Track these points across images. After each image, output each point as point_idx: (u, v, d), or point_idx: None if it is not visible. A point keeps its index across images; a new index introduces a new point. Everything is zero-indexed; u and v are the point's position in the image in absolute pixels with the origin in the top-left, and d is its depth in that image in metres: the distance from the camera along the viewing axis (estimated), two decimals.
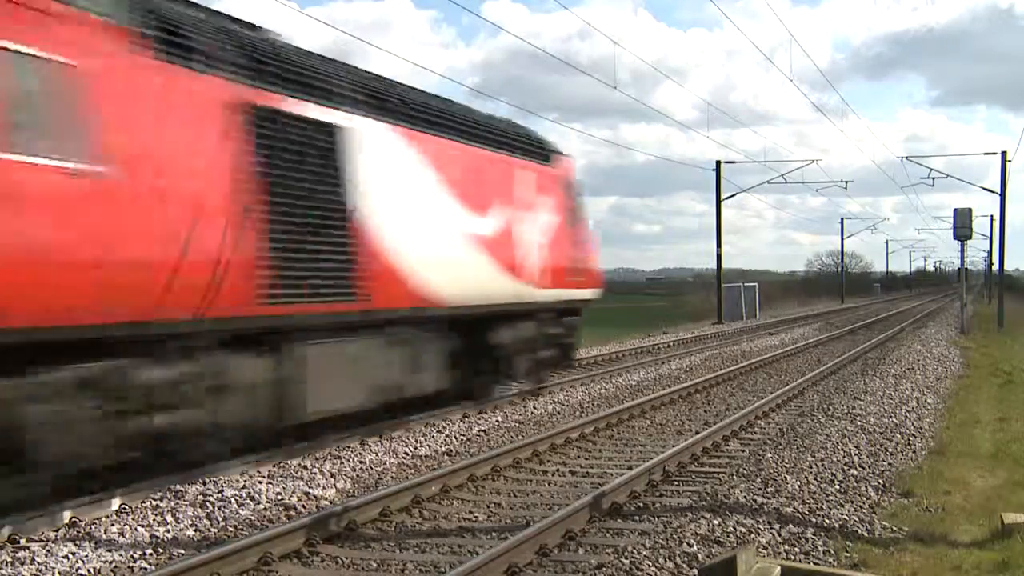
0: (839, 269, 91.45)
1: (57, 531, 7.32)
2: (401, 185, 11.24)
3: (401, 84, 12.42)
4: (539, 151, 15.16)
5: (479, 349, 13.34)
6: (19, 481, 7.03)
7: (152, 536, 7.25)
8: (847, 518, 7.48)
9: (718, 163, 40.49)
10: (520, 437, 11.53)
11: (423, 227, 11.60)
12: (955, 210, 32.11)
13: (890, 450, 10.34)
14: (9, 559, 6.59)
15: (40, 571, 6.40)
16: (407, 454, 10.60)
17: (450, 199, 12.25)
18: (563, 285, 15.35)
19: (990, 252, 79.58)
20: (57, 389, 7.11)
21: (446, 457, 10.52)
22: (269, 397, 9.30)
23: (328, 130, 9.98)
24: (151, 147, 7.78)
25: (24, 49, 6.78)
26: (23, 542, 7.00)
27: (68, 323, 7.06)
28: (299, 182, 9.41)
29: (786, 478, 8.73)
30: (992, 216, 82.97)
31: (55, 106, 6.98)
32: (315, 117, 9.79)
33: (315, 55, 10.96)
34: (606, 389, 16.49)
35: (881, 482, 8.76)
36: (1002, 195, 37.96)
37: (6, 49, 6.69)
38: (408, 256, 11.16)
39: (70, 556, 6.67)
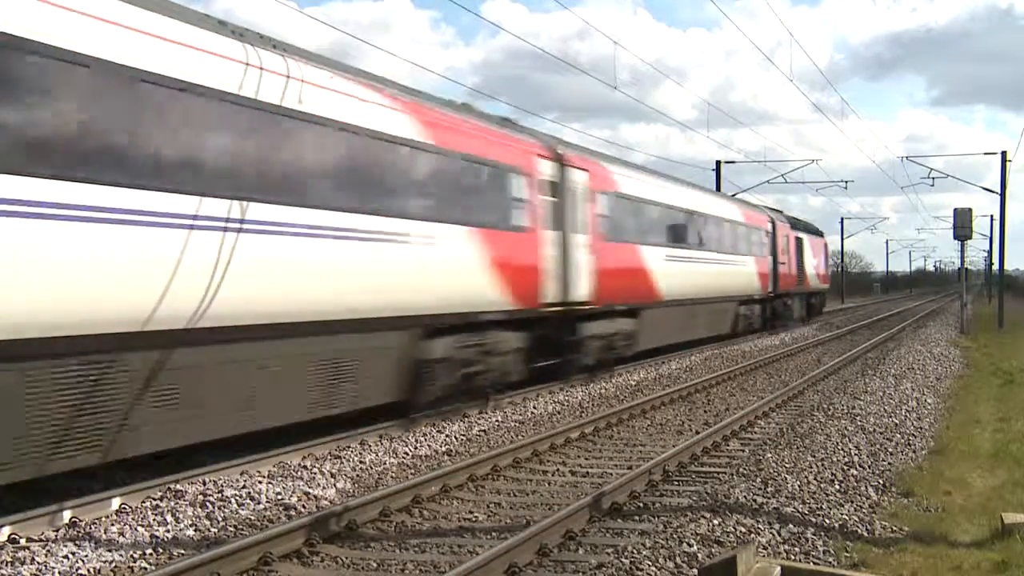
0: (839, 269, 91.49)
1: (57, 531, 7.33)
2: (806, 253, 38.84)
3: (802, 220, 42.39)
4: (819, 232, 43.09)
5: (808, 306, 40.93)
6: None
7: (152, 536, 7.25)
8: (847, 518, 7.48)
9: (718, 163, 40.56)
10: (520, 437, 11.54)
11: (808, 264, 39.25)
12: (955, 210, 32.14)
13: (890, 450, 10.34)
14: (9, 559, 6.60)
15: (40, 571, 6.41)
16: (407, 454, 10.61)
17: (812, 255, 40.09)
18: (822, 282, 43.65)
19: (990, 252, 79.77)
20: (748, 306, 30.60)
21: (446, 457, 10.52)
22: (767, 312, 32.83)
23: (800, 239, 37.76)
24: (789, 251, 35.60)
25: (791, 237, 36.85)
26: (23, 542, 7.01)
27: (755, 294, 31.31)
28: (799, 254, 37.62)
29: (786, 478, 8.73)
30: (992, 216, 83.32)
31: (795, 251, 36.94)
32: (798, 236, 37.51)
33: (794, 218, 40.66)
34: (606, 389, 16.50)
35: (881, 482, 8.75)
36: (1002, 195, 38.00)
37: (798, 238, 38.17)
38: (805, 274, 38.65)
39: (70, 556, 6.67)
